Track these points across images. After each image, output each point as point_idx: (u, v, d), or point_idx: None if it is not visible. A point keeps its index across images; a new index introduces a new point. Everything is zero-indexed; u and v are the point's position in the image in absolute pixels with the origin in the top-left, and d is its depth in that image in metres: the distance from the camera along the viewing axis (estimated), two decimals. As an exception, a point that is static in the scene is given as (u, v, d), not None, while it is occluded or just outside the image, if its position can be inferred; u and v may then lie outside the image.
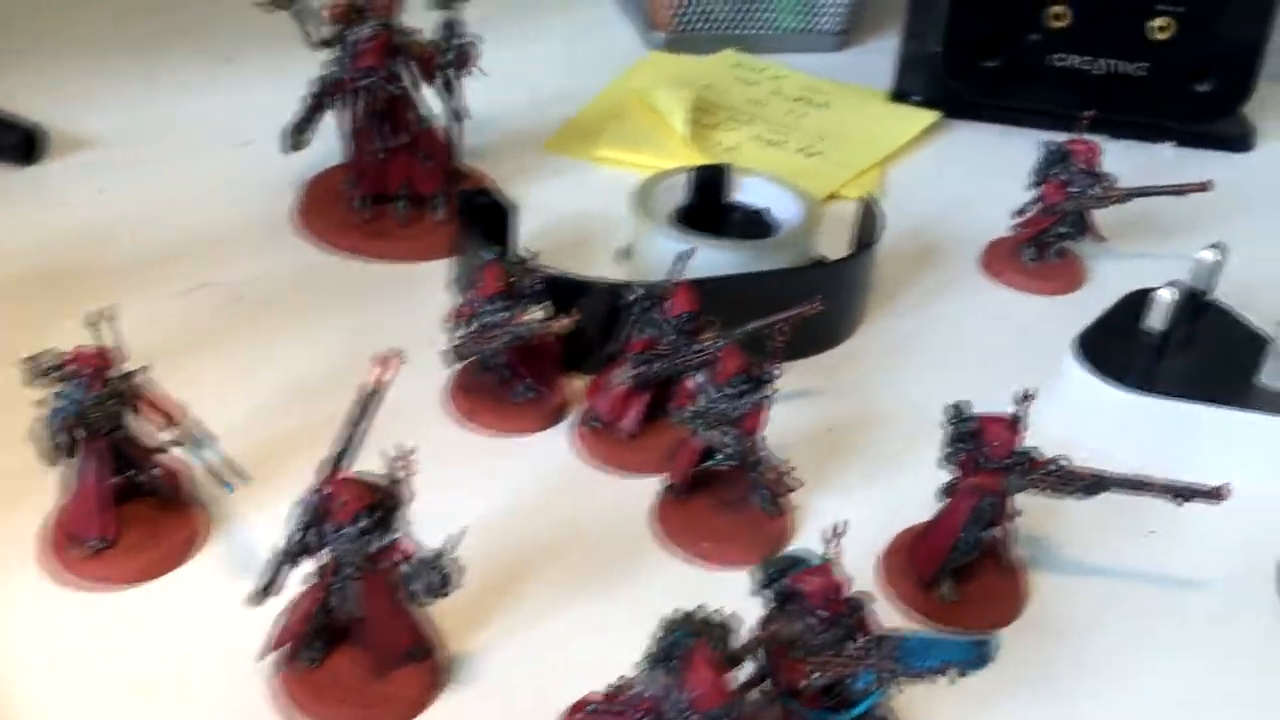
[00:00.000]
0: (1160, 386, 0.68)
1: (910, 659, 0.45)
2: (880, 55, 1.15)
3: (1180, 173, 0.99)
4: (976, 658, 0.45)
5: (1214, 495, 0.54)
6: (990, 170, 0.96)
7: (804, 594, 0.47)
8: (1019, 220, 0.85)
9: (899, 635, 0.46)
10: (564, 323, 0.61)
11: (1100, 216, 0.85)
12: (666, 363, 0.63)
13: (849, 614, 0.47)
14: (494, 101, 1.00)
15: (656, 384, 0.64)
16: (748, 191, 0.82)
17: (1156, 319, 0.69)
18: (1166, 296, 0.68)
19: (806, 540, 0.62)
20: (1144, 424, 0.68)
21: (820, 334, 0.75)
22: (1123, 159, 1.00)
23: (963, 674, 0.45)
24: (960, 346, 0.79)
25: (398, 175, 0.80)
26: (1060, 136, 0.83)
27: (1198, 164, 1.02)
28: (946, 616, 0.58)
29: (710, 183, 0.81)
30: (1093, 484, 0.54)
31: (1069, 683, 0.57)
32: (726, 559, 0.59)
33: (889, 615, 0.58)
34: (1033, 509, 0.60)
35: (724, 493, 0.61)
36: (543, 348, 0.65)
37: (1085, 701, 0.56)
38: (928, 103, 1.05)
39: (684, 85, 1.01)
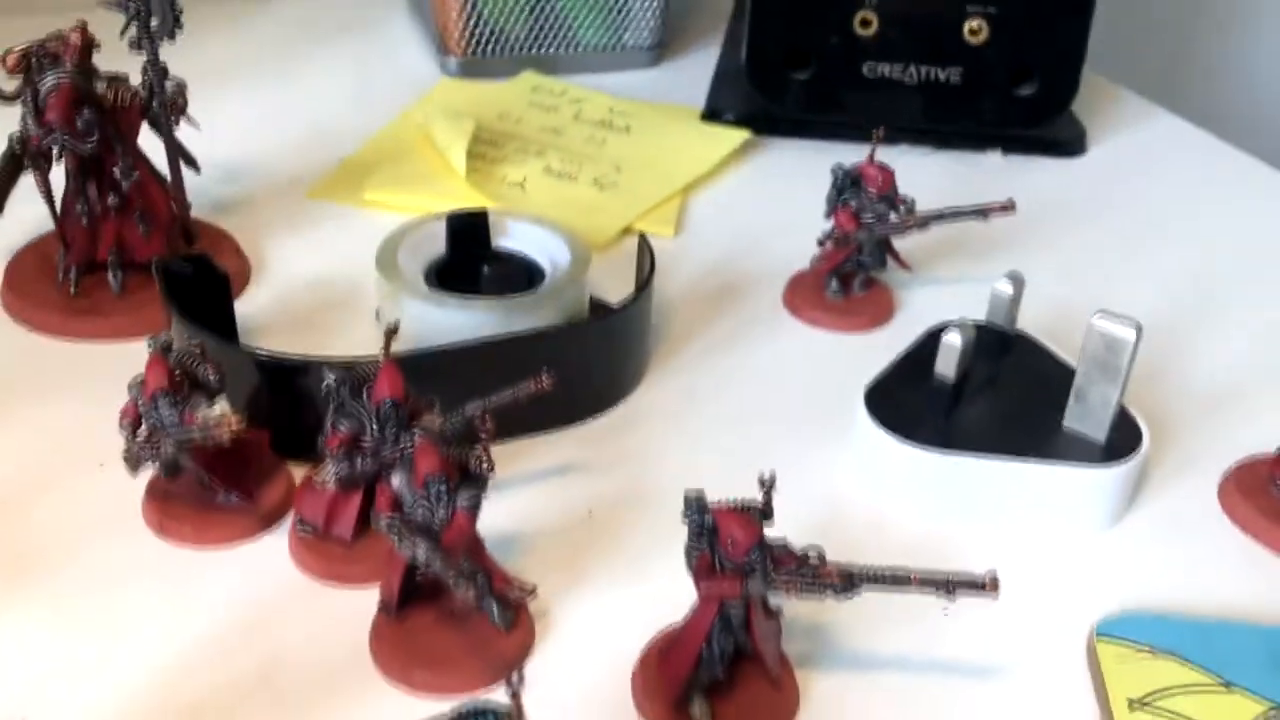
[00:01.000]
0: (954, 439, 0.61)
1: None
2: (700, 70, 1.08)
3: (1009, 181, 0.93)
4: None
5: (984, 588, 0.46)
6: (805, 193, 0.87)
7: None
8: (817, 253, 0.78)
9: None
10: (232, 422, 0.52)
11: (917, 238, 0.78)
12: (370, 460, 0.54)
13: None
14: (263, 144, 0.92)
15: (369, 483, 0.56)
16: (516, 237, 0.74)
17: (945, 365, 0.62)
18: (954, 340, 0.61)
19: (552, 654, 0.54)
20: (942, 481, 0.61)
21: (588, 396, 0.67)
22: (948, 172, 0.94)
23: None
24: (751, 400, 0.70)
25: (107, 241, 0.70)
26: (864, 154, 0.76)
27: (1027, 171, 0.96)
28: (700, 741, 0.50)
29: (469, 230, 0.72)
30: (844, 584, 0.46)
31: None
32: (445, 689, 0.51)
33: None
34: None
35: (449, 604, 0.53)
36: (243, 444, 0.56)
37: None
38: (741, 121, 0.97)
39: (466, 116, 0.92)
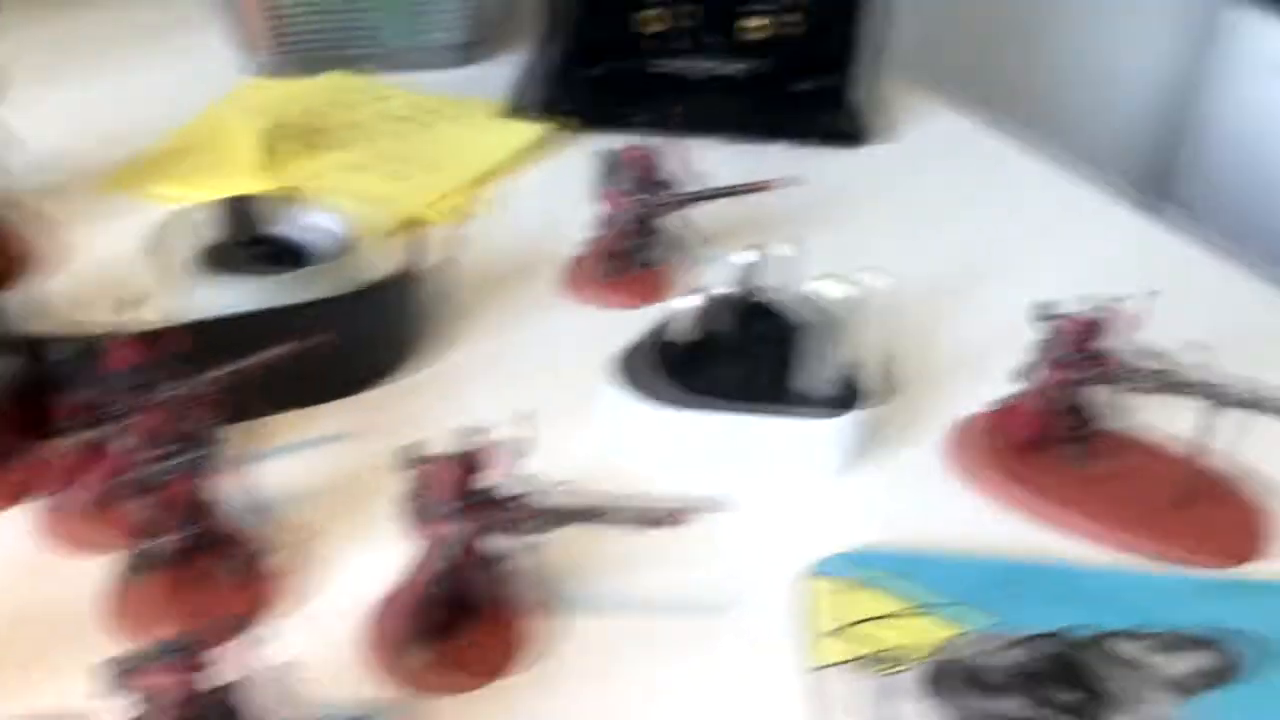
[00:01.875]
0: (694, 399, 0.66)
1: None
2: (511, 68, 1.12)
3: (795, 170, 0.98)
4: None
5: (671, 520, 0.50)
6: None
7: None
8: (591, 235, 0.82)
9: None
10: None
11: (713, 223, 0.82)
12: (106, 429, 0.56)
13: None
14: (67, 138, 0.93)
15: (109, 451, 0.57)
16: (293, 223, 0.76)
17: (678, 329, 0.66)
18: (684, 305, 0.65)
19: (301, 612, 0.56)
20: (684, 437, 0.65)
21: (359, 370, 0.70)
22: (736, 163, 0.99)
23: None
24: (522, 372, 0.74)
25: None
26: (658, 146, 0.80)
27: (814, 160, 1.01)
28: (422, 682, 0.53)
29: (243, 216, 0.75)
30: (550, 519, 0.50)
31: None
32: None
33: (367, 686, 0.53)
34: (562, 542, 0.55)
35: (194, 567, 0.55)
36: (-8, 419, 0.58)
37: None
38: (541, 116, 1.01)
39: (262, 113, 0.94)
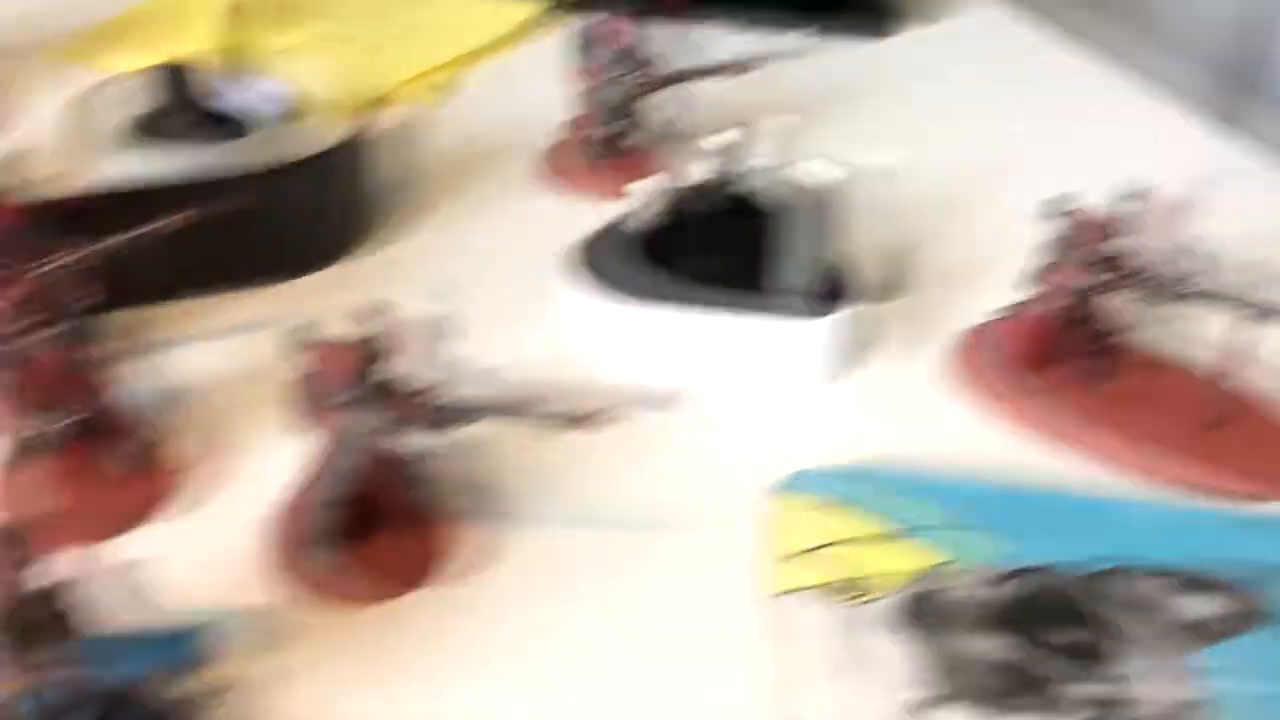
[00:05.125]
0: (663, 294, 0.58)
1: (102, 665, 0.34)
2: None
3: (817, 60, 0.90)
4: (187, 655, 0.35)
5: (597, 420, 0.43)
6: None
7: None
8: (570, 119, 0.74)
9: (83, 636, 0.34)
10: None
11: (720, 117, 0.75)
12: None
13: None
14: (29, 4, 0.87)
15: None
16: (240, 93, 0.69)
17: (646, 216, 0.59)
18: (653, 189, 0.58)
19: (197, 510, 0.50)
20: (650, 337, 0.58)
21: (297, 252, 0.63)
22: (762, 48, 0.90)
23: (177, 677, 0.35)
24: (485, 260, 0.67)
25: None
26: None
27: (836, 50, 0.92)
28: (326, 589, 0.47)
29: (183, 83, 0.67)
30: (461, 413, 0.43)
31: (479, 656, 0.46)
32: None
33: (263, 593, 0.47)
34: (500, 445, 0.49)
35: (84, 453, 0.50)
36: None
37: (494, 679, 0.45)
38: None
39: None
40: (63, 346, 0.45)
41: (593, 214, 0.70)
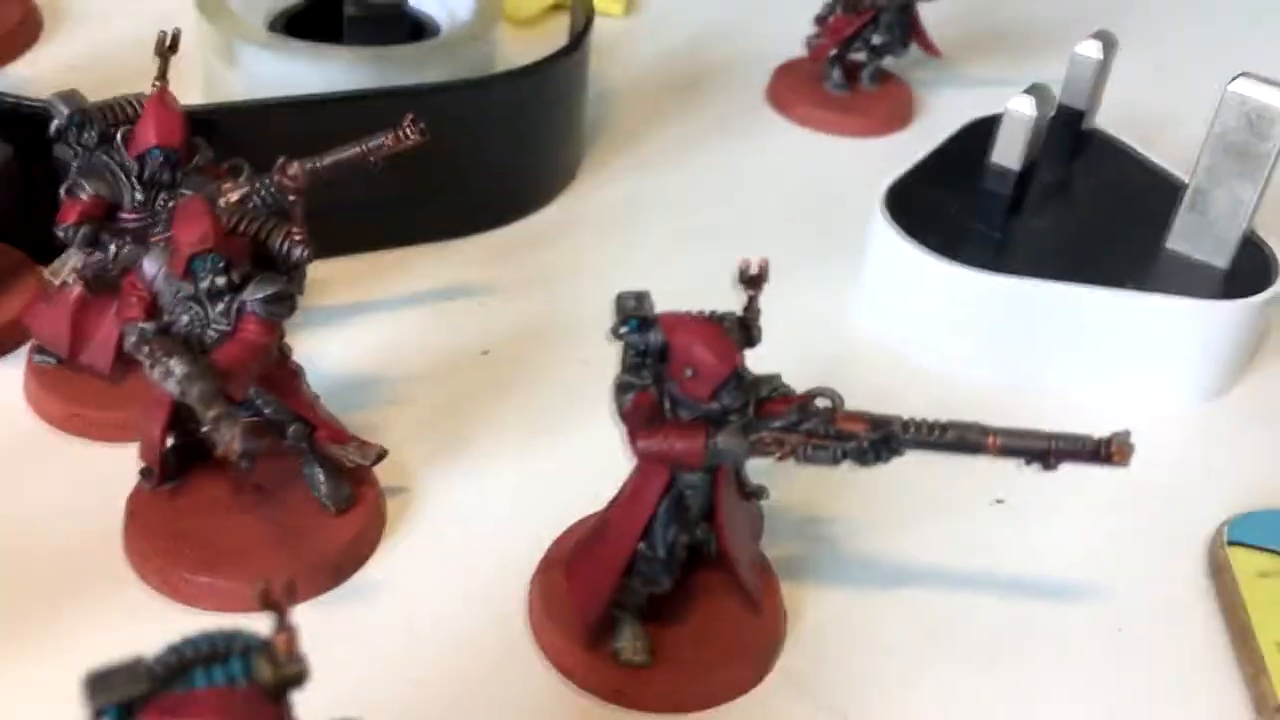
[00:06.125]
0: (1011, 259, 0.42)
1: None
2: None
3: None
4: None
5: (1107, 455, 0.28)
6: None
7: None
8: (815, 31, 0.58)
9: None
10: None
11: (948, 28, 0.59)
12: (134, 246, 0.35)
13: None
14: None
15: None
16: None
17: (1007, 152, 0.43)
18: (1023, 111, 0.42)
19: (410, 551, 0.35)
20: (992, 316, 0.42)
21: (492, 196, 0.48)
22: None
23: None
24: (717, 213, 0.51)
25: None
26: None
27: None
28: (630, 690, 0.32)
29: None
30: (879, 441, 0.28)
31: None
32: (225, 601, 0.32)
33: (504, 692, 0.32)
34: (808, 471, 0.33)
35: (253, 475, 0.35)
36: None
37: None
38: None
39: None
40: (270, 311, 0.30)
41: (851, 155, 0.54)
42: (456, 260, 0.47)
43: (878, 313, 0.45)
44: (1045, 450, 0.28)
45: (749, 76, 0.60)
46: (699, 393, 0.28)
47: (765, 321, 0.30)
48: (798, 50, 0.59)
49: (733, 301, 0.30)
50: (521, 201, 0.49)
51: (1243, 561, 0.37)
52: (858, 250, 0.46)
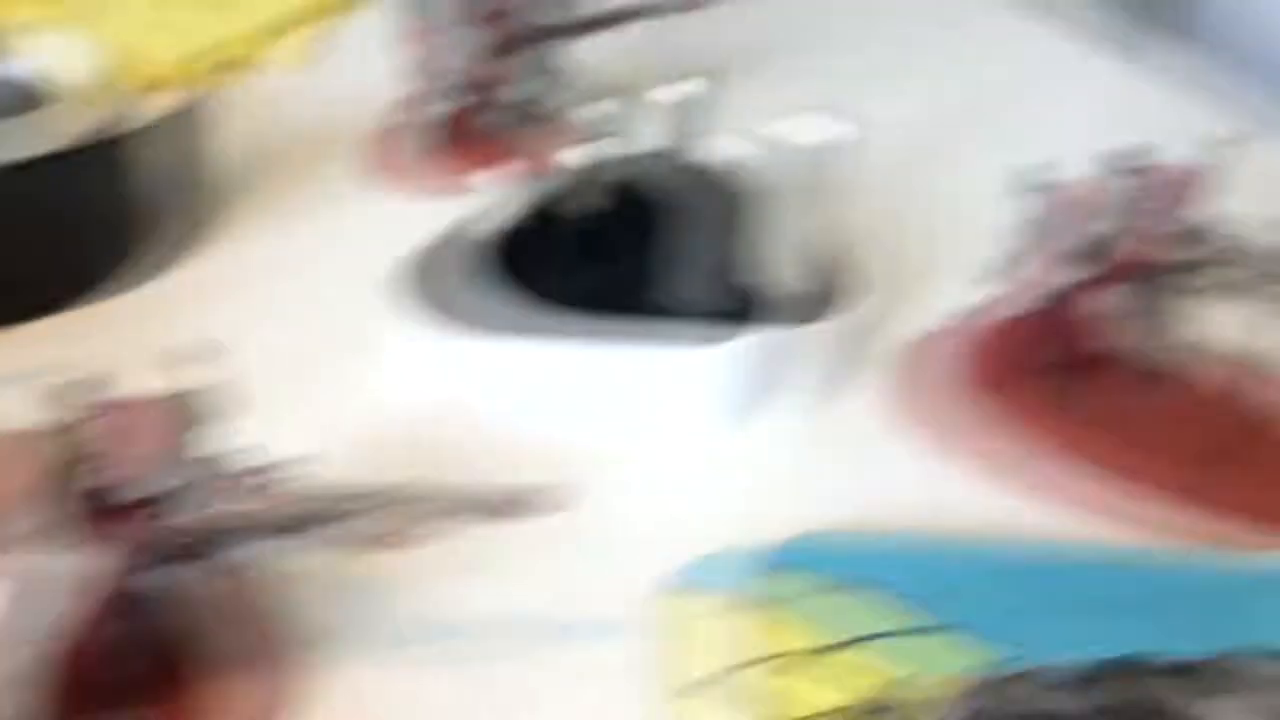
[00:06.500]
0: (513, 321, 0.44)
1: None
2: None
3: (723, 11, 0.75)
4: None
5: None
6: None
7: None
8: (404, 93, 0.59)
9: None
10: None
11: (593, 72, 0.60)
12: None
13: None
14: None
15: None
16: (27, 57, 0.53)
17: (491, 218, 0.44)
18: (487, 180, 0.43)
19: None
20: (504, 382, 0.44)
21: (40, 282, 0.48)
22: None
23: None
24: (287, 291, 0.52)
25: None
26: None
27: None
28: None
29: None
30: (209, 541, 0.29)
31: None
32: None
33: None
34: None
35: None
36: None
37: None
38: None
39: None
40: None
41: (431, 217, 0.56)
42: (30, 342, 0.47)
43: (405, 382, 0.46)
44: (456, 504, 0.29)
45: (350, 144, 0.61)
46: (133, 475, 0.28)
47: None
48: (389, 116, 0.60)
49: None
50: (64, 291, 0.49)
51: (680, 605, 0.38)
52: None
